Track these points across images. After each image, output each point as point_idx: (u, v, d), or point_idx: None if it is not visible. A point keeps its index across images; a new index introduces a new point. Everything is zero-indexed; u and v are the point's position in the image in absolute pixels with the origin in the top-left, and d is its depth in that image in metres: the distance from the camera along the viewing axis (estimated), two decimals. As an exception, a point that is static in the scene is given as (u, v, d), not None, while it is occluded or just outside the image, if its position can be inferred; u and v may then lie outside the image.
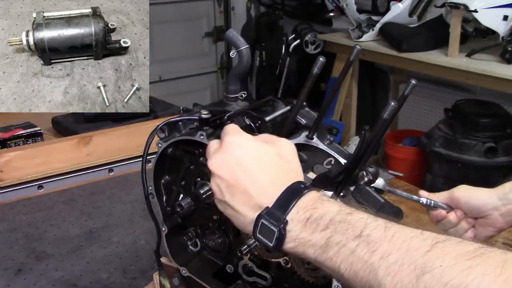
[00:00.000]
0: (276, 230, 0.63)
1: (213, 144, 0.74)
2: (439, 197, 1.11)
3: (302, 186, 0.67)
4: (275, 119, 0.90)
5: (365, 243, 0.58)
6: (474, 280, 0.50)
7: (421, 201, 1.11)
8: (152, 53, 5.25)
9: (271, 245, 0.64)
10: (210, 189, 0.87)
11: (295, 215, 0.64)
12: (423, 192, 1.12)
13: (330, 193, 0.75)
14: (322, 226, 0.62)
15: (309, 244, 0.63)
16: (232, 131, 0.73)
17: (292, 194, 0.65)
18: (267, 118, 0.88)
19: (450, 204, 1.11)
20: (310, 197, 0.65)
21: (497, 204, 1.08)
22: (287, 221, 0.64)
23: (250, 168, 0.68)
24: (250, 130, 0.87)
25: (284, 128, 0.85)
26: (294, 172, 0.71)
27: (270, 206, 0.66)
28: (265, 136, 0.75)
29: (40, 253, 1.27)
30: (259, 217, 0.66)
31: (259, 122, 0.87)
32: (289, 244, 0.64)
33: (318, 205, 0.64)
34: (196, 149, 0.89)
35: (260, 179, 0.67)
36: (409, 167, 3.56)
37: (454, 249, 0.54)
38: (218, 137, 0.85)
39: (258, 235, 0.66)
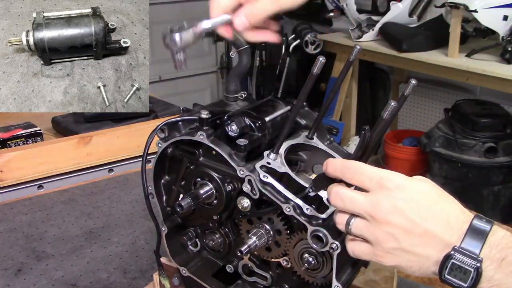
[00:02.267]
0: (472, 270, 0.60)
1: (358, 197, 0.67)
2: None
3: (485, 219, 0.63)
4: (275, 119, 0.90)
5: None
6: None
7: None
8: (152, 53, 5.24)
9: (466, 285, 0.60)
10: (210, 189, 0.87)
11: (488, 253, 0.60)
12: None
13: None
14: None
15: (504, 287, 0.60)
16: (379, 172, 0.68)
17: (479, 230, 0.61)
18: (267, 118, 0.88)
19: None
20: (501, 235, 0.62)
21: None
22: (482, 259, 0.60)
23: (423, 206, 0.64)
24: (250, 130, 0.87)
25: (284, 128, 0.85)
26: (458, 205, 0.66)
27: (457, 243, 0.61)
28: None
29: (40, 253, 1.27)
30: (448, 257, 0.61)
31: (259, 122, 0.87)
32: (483, 284, 0.60)
33: None
34: (196, 149, 0.89)
35: (439, 216, 0.63)
36: (409, 167, 3.57)
37: None
38: (218, 137, 0.85)
39: (447, 276, 0.61)
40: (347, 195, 0.68)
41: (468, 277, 0.59)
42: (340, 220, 0.69)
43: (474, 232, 0.61)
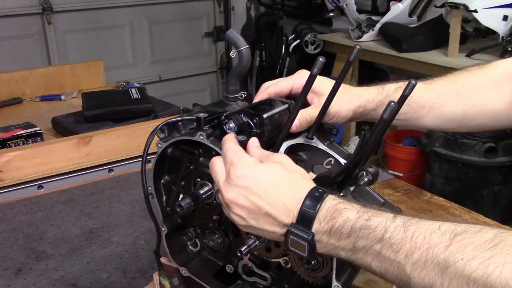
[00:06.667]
0: (306, 244, 0.70)
1: (219, 173, 0.78)
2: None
3: (317, 194, 0.71)
4: (273, 116, 0.90)
5: (388, 245, 0.64)
6: (495, 270, 0.54)
7: None
8: (152, 53, 5.25)
9: (305, 255, 0.71)
10: (210, 189, 0.87)
11: (319, 227, 0.69)
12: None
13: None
14: (345, 234, 0.67)
15: (339, 249, 0.69)
16: (233, 159, 0.76)
17: (311, 205, 0.70)
18: (265, 115, 0.88)
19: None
20: (328, 207, 0.70)
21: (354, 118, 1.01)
22: (313, 234, 0.70)
23: (264, 192, 0.73)
24: (248, 127, 0.87)
25: (284, 128, 0.85)
26: (304, 179, 0.75)
27: (294, 221, 0.71)
28: (261, 155, 0.79)
29: (40, 253, 1.27)
30: (287, 233, 0.71)
31: (257, 118, 0.87)
32: (322, 250, 0.71)
33: (336, 215, 0.69)
34: (196, 149, 0.89)
35: (277, 199, 0.72)
36: (409, 167, 3.56)
37: (472, 241, 0.58)
38: (218, 137, 0.85)
39: (291, 248, 0.71)
40: (213, 169, 0.80)
41: (305, 249, 0.70)
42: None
43: (304, 215, 0.70)
